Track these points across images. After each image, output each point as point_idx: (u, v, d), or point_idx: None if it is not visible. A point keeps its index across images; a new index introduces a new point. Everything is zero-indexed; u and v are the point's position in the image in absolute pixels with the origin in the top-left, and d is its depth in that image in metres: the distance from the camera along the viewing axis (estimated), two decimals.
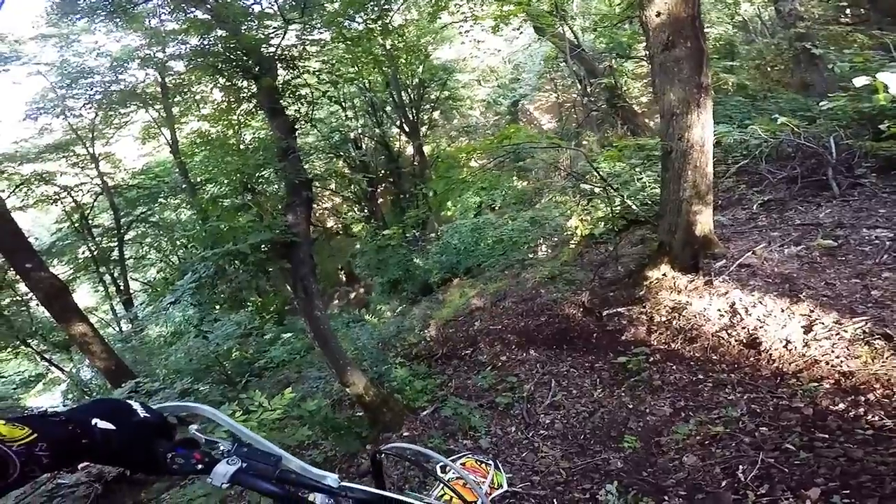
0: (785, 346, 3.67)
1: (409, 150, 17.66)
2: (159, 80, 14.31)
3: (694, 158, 5.25)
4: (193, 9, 6.94)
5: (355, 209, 19.16)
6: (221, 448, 0.92)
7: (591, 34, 13.90)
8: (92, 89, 14.34)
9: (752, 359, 3.81)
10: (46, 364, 13.48)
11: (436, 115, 19.37)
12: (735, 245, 5.59)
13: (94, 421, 0.79)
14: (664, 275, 5.68)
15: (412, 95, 17.01)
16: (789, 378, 3.37)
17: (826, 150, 6.42)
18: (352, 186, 17.70)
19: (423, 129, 18.14)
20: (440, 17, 14.15)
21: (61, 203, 15.51)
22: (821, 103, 6.21)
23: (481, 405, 5.29)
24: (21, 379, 14.35)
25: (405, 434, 5.35)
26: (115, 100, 14.59)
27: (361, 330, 9.53)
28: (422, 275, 12.99)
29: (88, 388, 10.45)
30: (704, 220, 5.44)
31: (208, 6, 6.41)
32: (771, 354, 3.71)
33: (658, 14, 5.03)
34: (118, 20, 8.39)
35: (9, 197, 13.02)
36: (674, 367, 4.29)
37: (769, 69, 11.98)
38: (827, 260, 4.45)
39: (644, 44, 5.77)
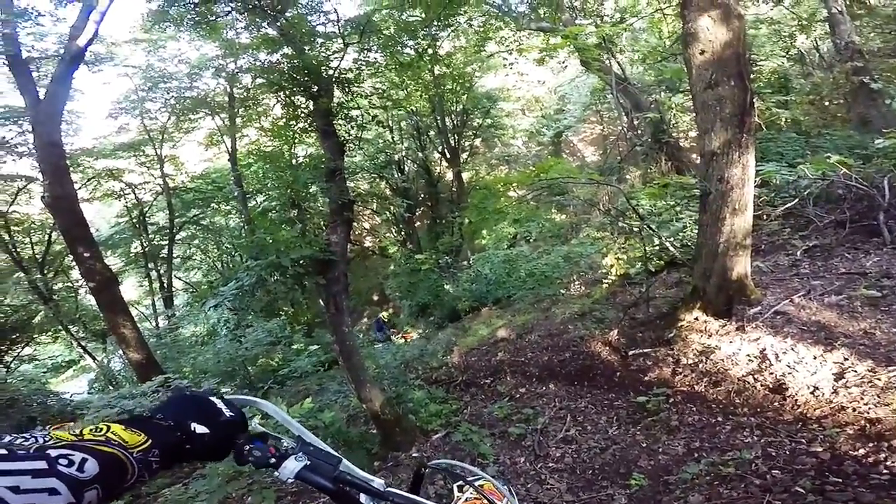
0: (812, 393, 3.46)
1: (449, 175, 17.95)
2: (228, 90, 15.33)
3: (733, 201, 5.02)
4: (266, 25, 7.52)
5: (392, 231, 19.50)
6: (285, 444, 1.00)
7: (639, 67, 13.70)
8: (169, 94, 15.56)
9: (775, 404, 3.62)
10: (81, 351, 14.23)
11: (477, 142, 19.68)
12: (773, 292, 5.36)
13: (193, 426, 0.86)
14: (696, 319, 5.48)
15: (455, 122, 17.40)
16: (811, 423, 3.18)
17: (879, 192, 6.02)
18: (391, 208, 18.10)
19: (464, 155, 18.46)
20: (485, 48, 14.51)
21: (124, 199, 16.64)
22: (876, 141, 5.87)
23: (493, 434, 5.22)
24: (53, 363, 15.10)
25: (414, 455, 5.32)
26: (188, 105, 15.72)
27: (385, 349, 9.62)
28: (451, 301, 13.02)
29: (116, 380, 10.88)
30: (741, 267, 5.21)
31: (279, 24, 6.94)
32: (796, 400, 3.51)
33: (702, 52, 4.92)
34: (201, 30, 9.26)
35: (80, 188, 13.97)
36: (694, 409, 4.12)
37: (826, 104, 11.36)
38: (868, 310, 4.20)
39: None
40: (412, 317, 14.51)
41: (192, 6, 7.51)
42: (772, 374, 3.96)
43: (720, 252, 5.15)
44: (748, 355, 4.38)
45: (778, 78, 11.98)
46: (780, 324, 4.60)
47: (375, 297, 18.63)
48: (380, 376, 6.93)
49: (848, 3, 10.12)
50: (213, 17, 8.23)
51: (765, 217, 7.42)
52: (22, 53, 8.44)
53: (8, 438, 0.65)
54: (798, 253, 6.24)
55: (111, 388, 10.62)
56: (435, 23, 8.12)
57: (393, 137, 17.55)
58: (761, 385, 3.93)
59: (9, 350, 12.49)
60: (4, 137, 12.98)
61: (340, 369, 8.25)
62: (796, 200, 6.98)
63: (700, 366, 4.69)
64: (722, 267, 5.19)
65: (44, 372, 14.71)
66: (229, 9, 7.85)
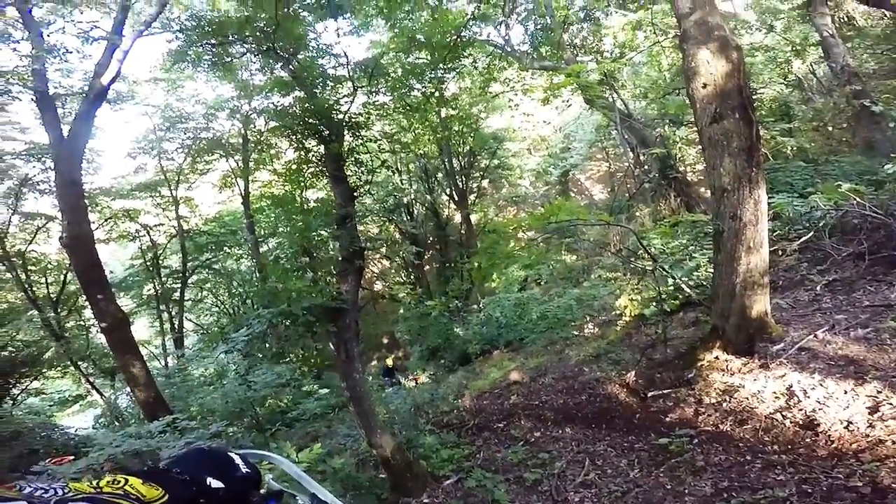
0: (846, 427, 3.29)
1: (457, 218, 18.03)
2: (242, 132, 15.60)
3: (747, 238, 4.87)
4: (279, 67, 7.81)
5: (402, 274, 19.46)
6: (300, 502, 1.00)
7: (642, 101, 13.72)
8: (186, 134, 15.77)
9: (808, 440, 3.44)
10: (88, 387, 14.11)
11: (485, 183, 19.65)
12: (795, 328, 5.24)
13: (209, 480, 0.87)
14: (716, 358, 5.32)
15: (463, 163, 17.50)
16: (849, 458, 2.99)
17: (894, 220, 5.91)
18: (401, 252, 18.14)
19: (472, 197, 18.46)
20: (490, 88, 14.69)
21: (139, 241, 16.73)
22: (886, 166, 5.78)
23: (508, 479, 5.03)
24: (60, 397, 15.01)
25: (425, 501, 5.11)
26: (204, 146, 15.95)
27: (395, 394, 9.44)
28: (461, 344, 12.84)
29: (122, 417, 10.76)
30: (760, 305, 5.05)
31: (291, 67, 7.24)
32: (830, 435, 3.34)
33: (704, 85, 4.90)
34: (217, 70, 9.62)
35: (97, 229, 14.08)
36: (720, 449, 3.92)
37: (830, 129, 11.15)
38: None
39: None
40: (422, 360, 14.29)
41: (210, 46, 7.88)
42: (801, 410, 3.80)
43: (738, 291, 4.99)
44: (774, 392, 4.22)
45: (779, 105, 11.91)
46: (806, 359, 4.47)
47: (385, 341, 18.42)
48: (390, 421, 6.79)
49: (837, 25, 10.19)
50: (229, 58, 8.59)
51: (780, 252, 7.30)
52: (49, 90, 8.59)
53: (28, 489, 0.66)
54: (818, 288, 6.10)
55: (117, 423, 10.49)
56: (441, 65, 8.42)
57: (401, 180, 17.73)
58: (790, 422, 3.75)
59: (17, 383, 12.49)
60: (28, 174, 13.33)
61: (350, 412, 8.12)
62: (811, 234, 6.85)
63: (724, 405, 4.51)
64: (741, 306, 5.02)
65: (50, 405, 14.70)
66: (244, 50, 8.21)
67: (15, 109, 12.49)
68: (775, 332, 5.15)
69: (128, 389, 9.67)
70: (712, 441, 4.09)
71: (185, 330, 17.22)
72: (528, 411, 6.70)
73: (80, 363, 13.73)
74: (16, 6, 7.86)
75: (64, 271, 14.31)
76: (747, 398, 4.39)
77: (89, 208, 10.70)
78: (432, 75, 8.53)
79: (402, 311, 17.86)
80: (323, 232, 9.27)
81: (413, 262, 17.97)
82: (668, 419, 4.95)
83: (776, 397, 4.13)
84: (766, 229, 5.06)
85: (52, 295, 14.26)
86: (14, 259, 13.33)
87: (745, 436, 3.93)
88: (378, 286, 20.31)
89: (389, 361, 13.46)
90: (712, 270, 5.85)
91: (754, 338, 5.09)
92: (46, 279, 14.58)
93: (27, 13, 8.06)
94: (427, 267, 18.84)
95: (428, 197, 17.79)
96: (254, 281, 16.89)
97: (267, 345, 12.33)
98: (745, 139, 4.80)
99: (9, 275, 13.36)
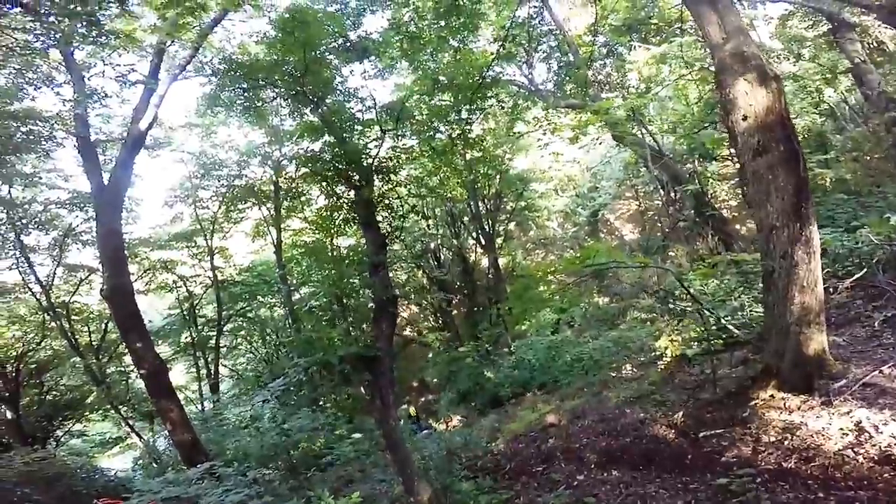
0: None
1: (485, 262, 17.95)
2: (273, 178, 15.97)
3: (800, 279, 4.57)
4: (308, 112, 8.06)
5: (431, 319, 19.36)
6: None
7: (671, 136, 13.39)
8: (220, 181, 16.17)
9: (886, 475, 3.21)
10: (128, 430, 14.36)
11: (512, 226, 19.50)
12: (857, 365, 5.02)
13: None
14: (772, 396, 5.08)
15: (489, 206, 17.49)
16: None
17: None
18: (429, 297, 18.09)
19: (499, 240, 18.32)
20: (515, 128, 14.85)
21: (176, 291, 17.21)
22: None
23: None
24: (101, 439, 15.23)
25: None
26: (237, 194, 16.36)
27: (429, 439, 9.25)
28: (492, 388, 12.64)
29: (160, 459, 10.80)
30: (817, 343, 4.78)
31: (320, 112, 7.53)
32: None
33: (745, 118, 4.72)
34: (249, 115, 9.94)
35: (136, 280, 14.45)
36: (786, 487, 3.66)
37: (869, 159, 10.53)
38: None
39: (728, 142, 5.35)
40: (452, 404, 14.05)
41: (241, 91, 8.19)
42: (874, 445, 3.57)
43: (792, 330, 4.72)
44: (841, 429, 4.00)
45: (814, 136, 11.49)
46: (873, 395, 4.25)
47: (415, 384, 18.18)
48: (425, 467, 6.63)
49: (867, 51, 9.91)
50: (260, 103, 8.86)
51: (831, 290, 7.00)
52: (91, 136, 8.66)
53: None
54: (876, 324, 5.82)
55: (155, 465, 10.55)
56: (465, 106, 8.45)
57: (428, 225, 17.79)
58: (864, 458, 3.53)
59: (60, 425, 12.74)
60: (71, 224, 13.85)
61: (384, 457, 7.98)
62: (865, 270, 6.57)
63: (785, 442, 4.26)
64: (795, 344, 4.75)
65: (91, 447, 14.95)
66: (274, 94, 8.47)
67: (58, 156, 12.77)
68: (835, 369, 4.88)
69: (166, 432, 9.75)
70: (776, 479, 3.83)
71: (220, 375, 17.42)
72: (569, 454, 6.44)
73: (120, 407, 14.05)
74: (59, 48, 7.98)
75: (105, 320, 14.79)
76: (811, 435, 4.15)
77: (129, 259, 10.84)
78: (457, 117, 8.64)
79: (431, 355, 17.71)
80: (355, 280, 9.37)
81: (442, 308, 17.91)
82: (723, 459, 4.69)
83: (844, 434, 3.90)
84: (820, 267, 4.76)
85: (93, 342, 14.75)
86: (59, 309, 13.85)
87: (814, 473, 3.68)
88: (407, 331, 20.26)
89: (412, 410, 13.22)
90: (760, 310, 5.60)
91: (812, 375, 4.81)
92: (89, 328, 15.13)
93: (69, 55, 8.27)
94: (456, 311, 18.75)
95: (454, 241, 17.86)
96: (287, 328, 17.07)
97: (303, 391, 12.33)
98: (793, 173, 4.57)
99: (54, 324, 13.81)
